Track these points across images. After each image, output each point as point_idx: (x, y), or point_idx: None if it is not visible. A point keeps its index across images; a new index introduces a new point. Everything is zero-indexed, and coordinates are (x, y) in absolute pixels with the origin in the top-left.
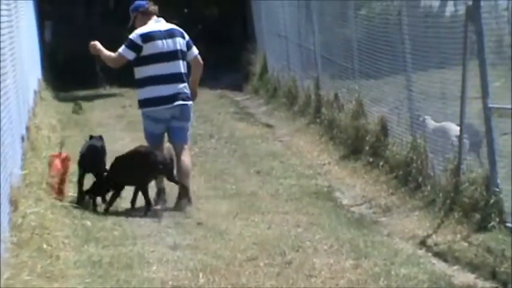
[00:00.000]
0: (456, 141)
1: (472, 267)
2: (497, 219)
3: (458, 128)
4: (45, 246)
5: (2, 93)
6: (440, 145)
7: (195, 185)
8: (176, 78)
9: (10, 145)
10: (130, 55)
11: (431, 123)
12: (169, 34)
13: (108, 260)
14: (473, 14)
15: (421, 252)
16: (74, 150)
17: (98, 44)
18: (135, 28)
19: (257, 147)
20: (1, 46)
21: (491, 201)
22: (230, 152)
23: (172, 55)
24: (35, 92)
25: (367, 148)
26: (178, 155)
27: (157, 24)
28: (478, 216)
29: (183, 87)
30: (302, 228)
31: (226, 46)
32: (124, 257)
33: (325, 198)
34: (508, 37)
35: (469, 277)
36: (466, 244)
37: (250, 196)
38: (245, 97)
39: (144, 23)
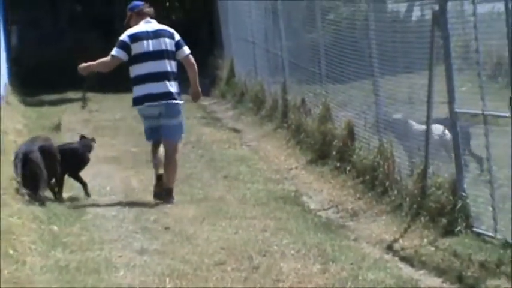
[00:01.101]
0: (449, 140)
1: (439, 271)
2: (464, 224)
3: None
4: (11, 251)
5: None
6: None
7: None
8: (162, 76)
9: None
10: (123, 55)
11: (415, 126)
12: (156, 35)
13: (75, 265)
14: (439, 19)
15: (388, 256)
16: None
17: (82, 64)
18: (130, 27)
19: (224, 152)
20: None
21: (458, 205)
22: (197, 157)
23: (158, 54)
24: (1, 97)
25: (334, 153)
26: (167, 151)
27: (146, 25)
28: (444, 220)
29: (170, 85)
30: (269, 232)
31: (193, 50)
32: (91, 262)
33: (293, 202)
34: (474, 42)
35: (436, 281)
36: (432, 248)
37: (217, 201)
38: (212, 102)
39: (137, 23)
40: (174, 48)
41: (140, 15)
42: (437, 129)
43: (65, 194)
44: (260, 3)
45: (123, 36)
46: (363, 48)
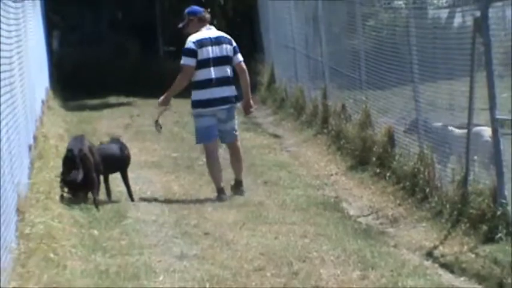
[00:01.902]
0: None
1: (479, 278)
2: (505, 231)
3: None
4: (52, 255)
5: (9, 102)
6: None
7: (202, 195)
8: (226, 81)
9: (17, 155)
10: (193, 62)
11: (456, 131)
12: (218, 41)
13: (115, 270)
14: (481, 25)
15: (428, 263)
16: None
17: (161, 98)
18: (185, 30)
19: (264, 157)
20: (9, 56)
21: (499, 212)
22: None
23: (220, 60)
24: (43, 102)
25: (374, 159)
26: (232, 151)
27: (208, 31)
28: (485, 227)
29: (231, 90)
30: (309, 238)
31: None
32: (131, 267)
33: (332, 208)
34: None
35: None
36: (473, 255)
37: (257, 206)
38: (253, 107)
39: (198, 29)
40: (232, 54)
41: (202, 21)
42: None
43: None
44: (301, 10)
45: (189, 44)
46: (403, 54)
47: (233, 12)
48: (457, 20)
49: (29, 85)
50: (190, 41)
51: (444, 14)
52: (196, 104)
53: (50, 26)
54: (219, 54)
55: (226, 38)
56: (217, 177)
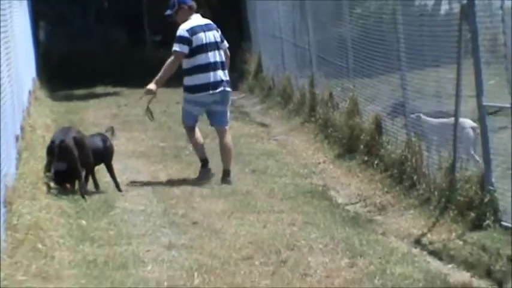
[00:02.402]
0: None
1: (467, 265)
2: (492, 218)
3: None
4: (40, 246)
5: None
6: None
7: (189, 184)
8: (218, 66)
9: (4, 145)
10: (186, 49)
11: (428, 120)
12: (208, 28)
13: (103, 260)
14: (467, 12)
15: (416, 250)
16: None
17: (149, 85)
18: (174, 18)
19: (252, 146)
20: None
21: (486, 199)
22: None
23: (213, 46)
24: (30, 92)
25: (362, 147)
26: (221, 137)
27: (198, 19)
28: (473, 214)
29: (225, 74)
30: (297, 227)
31: None
32: (119, 257)
33: (320, 197)
34: (502, 36)
35: (464, 275)
36: (461, 242)
37: (245, 195)
38: (240, 96)
39: (186, 18)
40: (220, 40)
41: (191, 10)
42: (465, 122)
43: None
44: None
45: (182, 32)
46: (390, 42)
47: (220, 0)
48: (444, 8)
49: (16, 76)
50: (184, 29)
51: (431, 1)
52: (193, 89)
53: (36, 17)
54: (212, 40)
55: (213, 25)
56: (200, 148)
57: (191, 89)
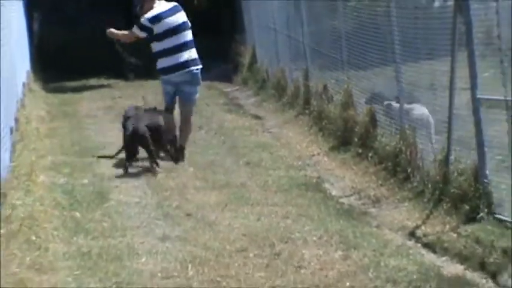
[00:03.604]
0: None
1: (461, 258)
2: (486, 210)
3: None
4: (34, 238)
5: None
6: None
7: (184, 176)
8: (186, 47)
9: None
10: (142, 34)
11: (394, 105)
12: (173, 11)
13: (97, 252)
14: (462, 4)
15: (410, 243)
16: (63, 140)
17: (112, 30)
18: (143, 11)
19: (246, 138)
20: None
21: (480, 192)
22: (219, 144)
23: (180, 28)
24: (24, 84)
25: (356, 139)
26: (186, 116)
27: (161, 6)
28: (467, 207)
29: (192, 54)
30: (291, 219)
31: (215, 37)
32: (113, 249)
33: (315, 189)
34: (496, 28)
35: (458, 268)
36: (455, 235)
37: (239, 187)
38: (234, 88)
39: (151, 6)
40: (186, 20)
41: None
42: (419, 109)
43: (85, 180)
44: None
45: (143, 20)
46: (384, 35)
47: None
48: (438, 0)
49: (10, 67)
50: (146, 17)
51: None
52: (164, 70)
53: (30, 8)
54: (178, 22)
55: (177, 6)
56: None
57: (163, 71)
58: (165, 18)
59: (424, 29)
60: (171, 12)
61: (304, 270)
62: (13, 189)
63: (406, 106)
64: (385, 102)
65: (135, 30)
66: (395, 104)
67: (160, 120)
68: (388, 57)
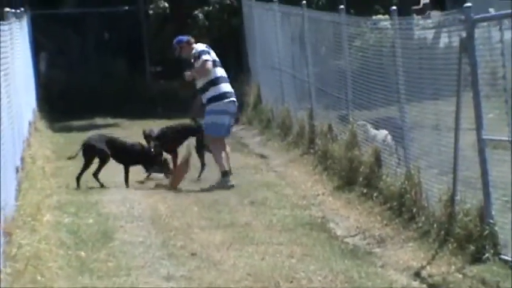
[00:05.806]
0: (381, 144)
1: None
2: (492, 251)
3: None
4: (39, 277)
5: None
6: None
7: (188, 216)
8: (227, 79)
9: (4, 176)
10: (207, 56)
11: (372, 131)
12: (209, 49)
13: None
14: (467, 45)
15: (416, 283)
16: (69, 180)
17: (188, 72)
18: (183, 57)
19: (251, 177)
20: None
21: (486, 232)
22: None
23: (219, 63)
24: (30, 123)
25: (361, 179)
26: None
27: (198, 45)
28: (472, 247)
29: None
30: (296, 259)
31: None
32: None
33: (319, 229)
34: (501, 69)
35: None
36: (460, 276)
37: (244, 227)
38: (239, 128)
39: (190, 51)
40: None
41: (190, 44)
42: (381, 134)
43: (90, 220)
44: (287, 30)
45: (195, 50)
46: (389, 75)
47: (219, 33)
48: (443, 40)
49: (17, 106)
50: (198, 49)
51: (430, 34)
52: (212, 99)
53: (37, 48)
54: (216, 59)
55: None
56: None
57: (211, 100)
58: (209, 52)
59: (429, 69)
60: (209, 49)
61: None
62: (18, 228)
63: (372, 131)
64: (360, 122)
65: (205, 57)
66: (369, 128)
67: None
68: (392, 97)
